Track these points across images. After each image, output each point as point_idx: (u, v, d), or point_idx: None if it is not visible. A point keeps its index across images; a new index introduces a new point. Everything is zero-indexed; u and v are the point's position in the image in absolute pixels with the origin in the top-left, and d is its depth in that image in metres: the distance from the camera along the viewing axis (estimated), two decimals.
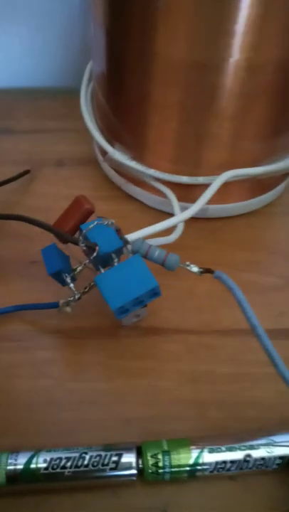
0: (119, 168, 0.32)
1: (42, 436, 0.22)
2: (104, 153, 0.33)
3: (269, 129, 0.28)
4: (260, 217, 0.33)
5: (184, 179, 0.29)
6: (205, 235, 0.32)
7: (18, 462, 0.20)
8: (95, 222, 0.23)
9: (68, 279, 0.22)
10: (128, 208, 0.33)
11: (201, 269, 0.23)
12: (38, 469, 0.20)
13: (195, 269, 0.23)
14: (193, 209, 0.26)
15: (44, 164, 0.36)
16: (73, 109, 0.36)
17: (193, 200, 0.30)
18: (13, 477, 0.20)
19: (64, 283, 0.23)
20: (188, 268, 0.23)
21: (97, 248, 0.22)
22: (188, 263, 0.23)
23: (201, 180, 0.29)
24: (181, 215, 0.26)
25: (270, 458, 0.21)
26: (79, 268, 0.23)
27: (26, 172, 0.34)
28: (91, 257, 0.22)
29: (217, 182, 0.27)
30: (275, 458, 0.21)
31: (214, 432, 0.22)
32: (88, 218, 0.24)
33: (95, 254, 0.22)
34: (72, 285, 0.22)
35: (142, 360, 0.25)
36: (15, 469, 0.20)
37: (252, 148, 0.29)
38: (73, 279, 0.23)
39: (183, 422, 0.23)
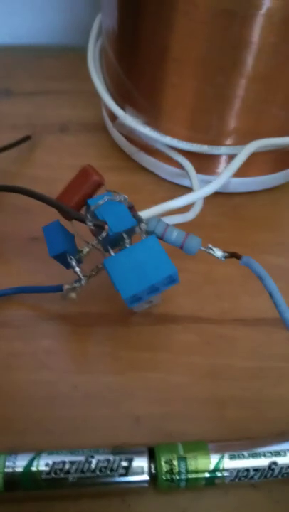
0: (131, 135, 0.29)
1: (43, 435, 0.20)
2: (114, 118, 0.30)
3: None
4: (286, 193, 0.30)
5: (205, 148, 0.26)
6: (225, 211, 0.29)
7: (17, 465, 0.18)
8: (105, 198, 0.20)
9: (74, 262, 0.20)
10: (140, 179, 0.30)
11: (225, 254, 0.20)
12: (39, 474, 0.18)
13: (219, 253, 0.20)
14: (217, 184, 0.23)
15: (47, 130, 0.33)
16: (80, 69, 0.32)
17: (212, 172, 0.28)
18: (11, 482, 0.18)
19: (69, 266, 0.20)
20: (210, 252, 0.20)
21: (106, 227, 0.20)
22: (210, 246, 0.20)
23: (224, 150, 0.26)
24: (202, 191, 0.23)
25: None
26: (86, 249, 0.20)
27: (27, 138, 0.31)
28: (99, 237, 0.20)
29: (244, 152, 0.24)
30: None
31: (232, 433, 0.20)
32: (96, 192, 0.21)
33: (104, 234, 0.19)
34: (78, 269, 0.20)
35: (154, 351, 0.22)
36: (13, 473, 0.18)
37: (282, 115, 0.26)
38: (79, 262, 0.20)
39: (198, 421, 0.20)
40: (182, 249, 0.20)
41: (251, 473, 0.18)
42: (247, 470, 0.18)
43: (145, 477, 0.18)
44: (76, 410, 0.20)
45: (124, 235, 0.20)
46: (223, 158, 0.27)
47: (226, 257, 0.20)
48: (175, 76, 0.24)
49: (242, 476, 0.18)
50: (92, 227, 0.20)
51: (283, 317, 0.17)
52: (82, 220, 0.19)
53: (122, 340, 0.23)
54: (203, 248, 0.20)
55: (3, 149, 0.29)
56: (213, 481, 0.18)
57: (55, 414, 0.20)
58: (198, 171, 0.27)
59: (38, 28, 0.40)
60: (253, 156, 0.27)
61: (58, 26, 0.40)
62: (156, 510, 0.18)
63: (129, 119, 0.27)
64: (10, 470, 0.18)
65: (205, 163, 0.27)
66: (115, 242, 0.21)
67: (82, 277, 0.20)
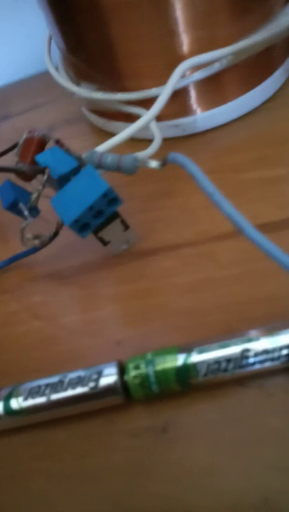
0: (95, 107, 0.31)
1: (36, 373, 0.20)
2: (85, 102, 0.32)
3: (235, 4, 0.25)
4: (261, 116, 0.29)
5: (153, 91, 0.27)
6: (198, 149, 0.28)
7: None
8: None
9: (23, 208, 0.21)
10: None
11: (159, 161, 0.20)
12: (18, 402, 0.19)
13: (154, 163, 0.20)
14: (158, 105, 0.24)
15: None
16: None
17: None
18: None
19: (24, 216, 0.22)
20: (146, 165, 0.20)
21: (47, 170, 0.21)
22: (145, 160, 0.21)
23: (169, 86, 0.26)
24: (145, 116, 0.24)
25: (274, 348, 0.17)
26: (34, 195, 0.22)
27: (16, 144, 0.34)
28: (43, 182, 0.21)
29: (177, 70, 0.24)
30: (282, 348, 0.17)
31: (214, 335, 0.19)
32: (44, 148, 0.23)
33: (45, 177, 0.21)
34: (26, 213, 0.21)
35: (135, 282, 0.23)
36: None
37: (222, 33, 0.25)
38: (34, 210, 0.22)
39: (180, 332, 0.20)
40: (120, 170, 0.21)
41: (223, 364, 0.17)
42: (218, 362, 0.17)
43: (115, 384, 0.18)
44: (63, 346, 0.21)
45: (72, 177, 0.22)
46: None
47: (161, 165, 0.20)
48: (107, 31, 0.26)
49: (214, 368, 0.17)
50: (30, 172, 0.21)
51: (212, 199, 0.17)
52: (21, 170, 0.21)
53: (104, 281, 0.23)
54: (139, 164, 0.21)
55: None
56: (186, 380, 0.17)
57: (46, 352, 0.21)
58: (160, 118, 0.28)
59: (23, 63, 0.45)
60: (213, 83, 0.27)
61: (38, 56, 0.45)
62: (140, 422, 0.18)
63: (83, 91, 0.29)
64: None
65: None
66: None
67: (29, 217, 0.21)
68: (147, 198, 0.27)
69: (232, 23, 0.25)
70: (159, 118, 0.28)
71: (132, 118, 0.30)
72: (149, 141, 0.30)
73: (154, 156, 0.25)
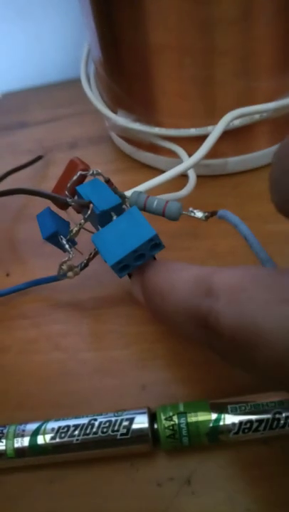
0: (127, 135, 0.31)
1: (56, 408, 0.21)
2: (113, 126, 0.32)
3: (279, 61, 0.25)
4: None
5: (192, 131, 0.27)
6: (226, 191, 0.29)
7: (26, 433, 0.19)
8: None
9: (64, 241, 0.21)
10: (142, 176, 0.31)
11: (206, 213, 0.21)
12: (45, 439, 0.18)
13: (199, 214, 0.21)
14: (201, 152, 0.24)
15: (58, 149, 0.36)
16: (84, 94, 0.35)
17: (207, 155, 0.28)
18: (21, 449, 0.19)
19: (63, 248, 0.22)
20: (192, 214, 0.21)
21: (91, 206, 0.21)
22: (191, 209, 0.21)
23: (209, 130, 0.27)
24: (187, 161, 0.24)
25: None
26: (75, 229, 0.21)
27: (39, 158, 0.34)
28: (86, 216, 0.21)
29: (223, 120, 0.24)
30: None
31: (238, 391, 0.19)
32: (85, 180, 0.23)
33: (89, 211, 0.21)
34: (68, 246, 0.21)
35: (156, 324, 0.23)
36: (22, 441, 0.19)
37: (263, 86, 0.26)
38: (71, 242, 0.22)
39: (204, 383, 0.20)
40: (164, 215, 0.21)
41: (255, 424, 0.18)
42: (250, 422, 0.18)
43: (146, 435, 0.18)
44: (85, 383, 0.21)
45: (112, 214, 0.22)
46: None
47: (206, 217, 0.21)
48: (152, 70, 0.26)
49: (245, 428, 0.18)
50: (72, 205, 0.21)
51: (259, 257, 0.17)
52: (66, 202, 0.21)
53: (128, 318, 0.24)
54: (184, 212, 0.21)
55: (18, 169, 0.32)
56: (216, 436, 0.18)
57: (66, 388, 0.21)
58: None
59: (46, 69, 0.45)
60: (247, 131, 0.27)
61: (62, 63, 0.44)
62: (163, 472, 0.18)
63: (120, 119, 0.29)
64: (19, 438, 0.19)
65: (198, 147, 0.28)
66: (105, 221, 0.22)
67: (71, 251, 0.21)
68: (173, 235, 0.27)
69: (273, 80, 0.26)
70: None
71: (161, 150, 0.30)
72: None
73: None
